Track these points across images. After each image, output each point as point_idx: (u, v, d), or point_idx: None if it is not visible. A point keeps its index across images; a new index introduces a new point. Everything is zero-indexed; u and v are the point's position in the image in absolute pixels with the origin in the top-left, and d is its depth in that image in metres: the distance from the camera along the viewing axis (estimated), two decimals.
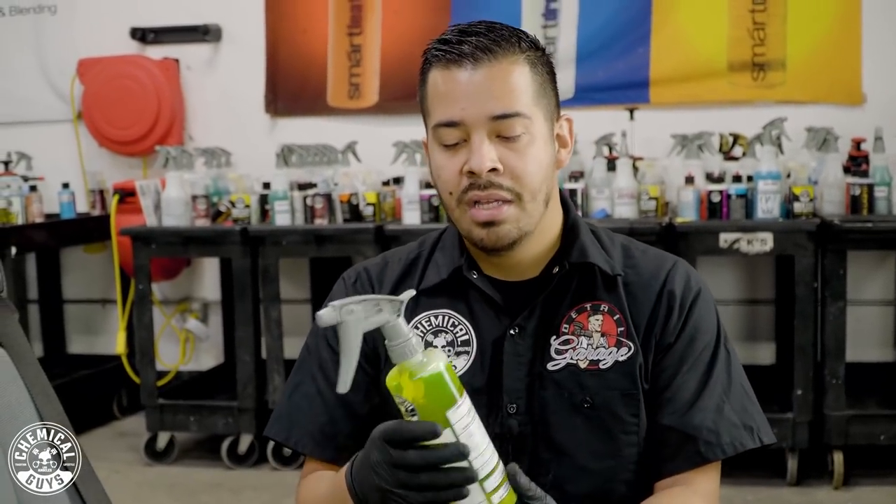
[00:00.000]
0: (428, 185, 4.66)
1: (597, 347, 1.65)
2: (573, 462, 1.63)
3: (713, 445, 1.63)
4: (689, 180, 4.56)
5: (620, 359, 1.65)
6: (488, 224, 1.60)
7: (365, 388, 1.70)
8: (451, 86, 1.59)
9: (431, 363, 1.35)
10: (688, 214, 4.53)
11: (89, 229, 5.69)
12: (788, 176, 4.55)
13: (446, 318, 1.70)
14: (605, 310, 1.68)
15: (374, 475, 1.39)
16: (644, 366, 1.66)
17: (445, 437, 1.34)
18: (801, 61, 5.13)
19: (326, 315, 1.35)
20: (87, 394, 5.69)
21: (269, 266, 4.82)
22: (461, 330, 1.69)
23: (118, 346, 5.53)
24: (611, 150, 4.93)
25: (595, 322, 1.67)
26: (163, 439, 5.04)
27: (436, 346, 1.67)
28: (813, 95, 5.11)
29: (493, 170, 1.57)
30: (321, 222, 4.79)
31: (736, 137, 4.81)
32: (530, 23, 5.40)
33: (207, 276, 5.96)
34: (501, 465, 1.40)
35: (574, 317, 1.67)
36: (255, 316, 4.92)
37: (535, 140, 1.60)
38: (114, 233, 5.41)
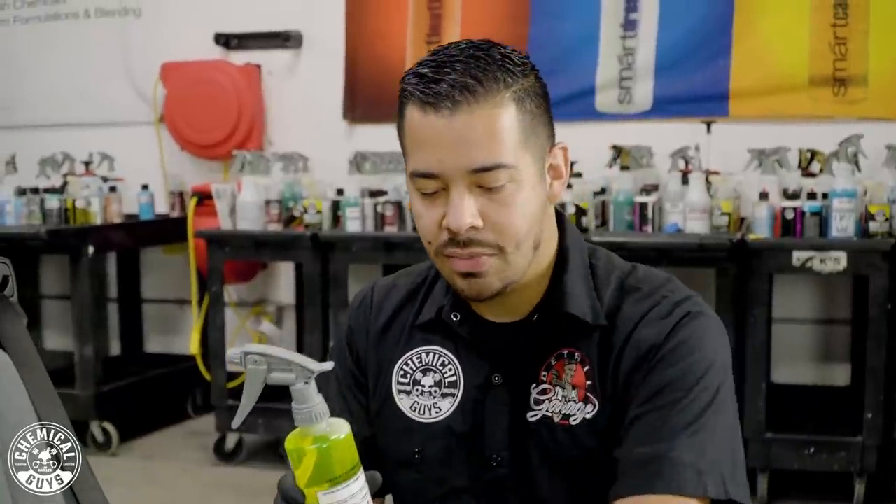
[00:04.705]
0: None
1: (568, 401, 1.51)
2: None
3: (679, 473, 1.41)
4: (764, 196, 4.49)
5: (587, 416, 1.51)
6: (469, 275, 1.47)
7: (363, 417, 1.64)
8: (427, 132, 1.43)
9: (332, 435, 1.30)
10: (761, 231, 4.46)
11: (167, 231, 5.79)
12: (865, 194, 4.45)
13: (437, 356, 1.60)
14: (578, 359, 1.53)
15: None
16: (615, 424, 1.49)
17: None
18: (883, 77, 5.00)
19: (232, 355, 1.32)
20: (163, 392, 5.81)
21: (338, 272, 4.84)
22: (450, 370, 1.59)
23: (192, 346, 5.61)
24: (686, 163, 4.87)
25: (569, 372, 1.53)
26: (231, 440, 5.10)
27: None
28: (894, 112, 5.00)
29: (474, 226, 1.44)
30: (391, 229, 4.81)
31: (813, 154, 4.72)
32: (609, 34, 5.36)
33: (283, 280, 6.01)
34: None
35: (553, 363, 1.54)
36: (324, 321, 4.95)
37: (521, 187, 1.45)
38: (191, 235, 5.49)
